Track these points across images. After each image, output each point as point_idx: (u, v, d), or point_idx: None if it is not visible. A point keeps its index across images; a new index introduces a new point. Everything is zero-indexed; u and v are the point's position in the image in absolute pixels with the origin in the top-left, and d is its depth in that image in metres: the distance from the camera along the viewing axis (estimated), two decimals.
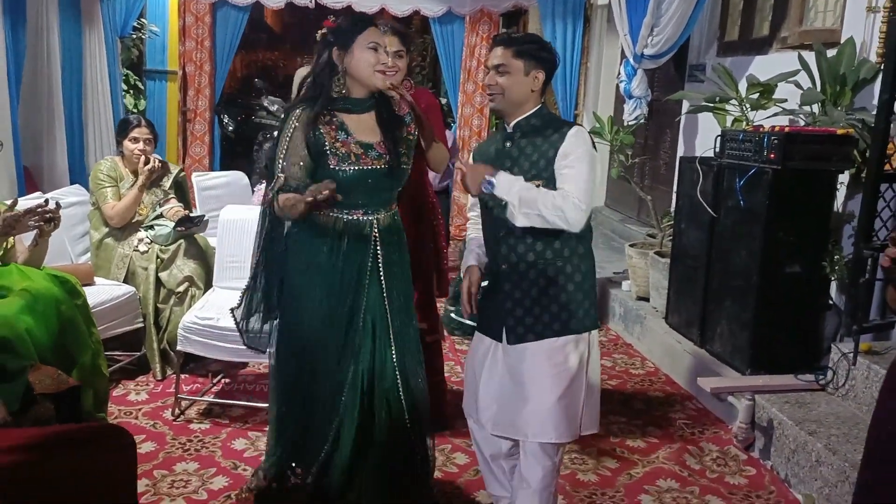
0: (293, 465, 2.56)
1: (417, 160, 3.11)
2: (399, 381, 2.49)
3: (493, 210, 2.39)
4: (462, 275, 2.57)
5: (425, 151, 2.97)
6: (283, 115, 2.38)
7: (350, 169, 2.34)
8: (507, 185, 2.24)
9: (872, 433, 2.02)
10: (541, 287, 2.37)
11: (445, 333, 3.61)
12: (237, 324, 2.55)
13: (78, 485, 1.45)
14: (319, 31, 2.40)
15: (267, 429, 2.76)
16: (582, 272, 2.40)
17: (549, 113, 2.45)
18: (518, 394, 2.41)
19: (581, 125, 2.40)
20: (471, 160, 2.55)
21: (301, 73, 8.94)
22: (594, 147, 2.38)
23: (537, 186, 2.28)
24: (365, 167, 2.36)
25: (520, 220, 2.25)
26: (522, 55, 2.33)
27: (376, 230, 2.43)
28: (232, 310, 2.56)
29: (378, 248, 2.43)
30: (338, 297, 2.41)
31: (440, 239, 3.43)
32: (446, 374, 3.79)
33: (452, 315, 4.66)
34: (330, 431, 2.47)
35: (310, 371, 2.47)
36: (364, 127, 2.40)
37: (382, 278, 2.45)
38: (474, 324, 4.69)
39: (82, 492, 1.46)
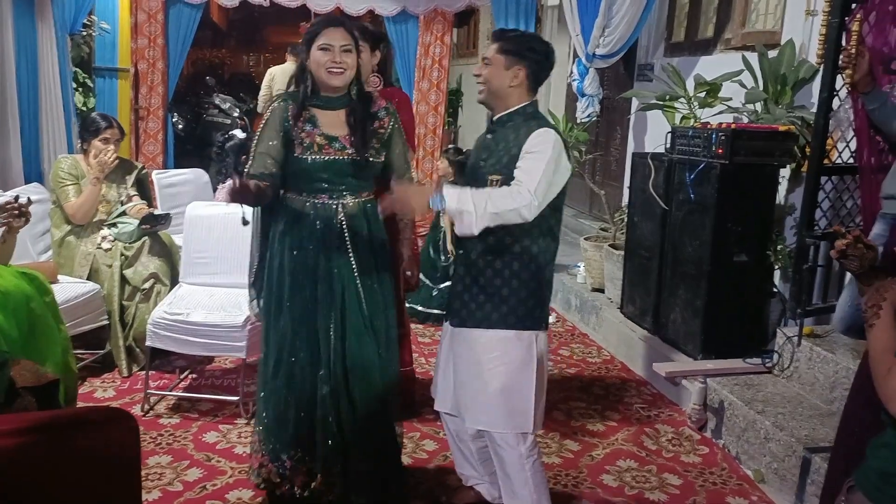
0: (283, 456, 2.63)
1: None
2: (372, 365, 2.59)
3: None
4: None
5: None
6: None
7: (312, 158, 2.50)
8: (457, 195, 2.22)
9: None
10: (487, 277, 2.40)
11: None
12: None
13: (84, 466, 1.49)
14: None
15: (254, 421, 2.84)
16: (530, 270, 2.39)
17: (535, 112, 2.46)
18: (458, 378, 2.49)
19: (554, 128, 2.40)
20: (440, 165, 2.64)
21: (272, 71, 9.05)
22: (565, 153, 2.37)
23: (495, 182, 2.33)
24: (327, 157, 2.51)
25: (479, 225, 2.21)
26: (506, 51, 2.39)
27: (342, 215, 2.55)
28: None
29: (345, 232, 2.55)
30: (310, 280, 2.55)
31: (413, 233, 3.47)
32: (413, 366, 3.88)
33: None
34: (312, 417, 2.58)
35: (290, 354, 2.58)
36: (333, 122, 2.54)
37: (353, 262, 2.56)
38: (425, 310, 4.91)
39: (89, 473, 1.51)
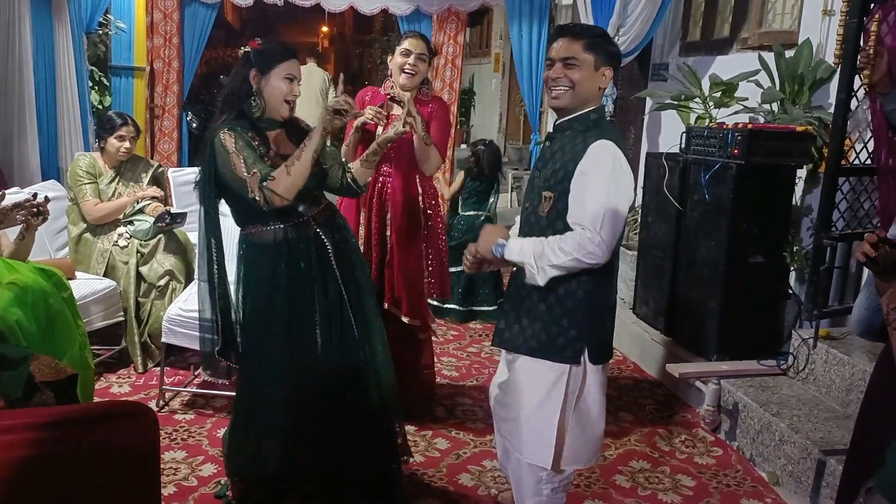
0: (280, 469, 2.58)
1: (407, 166, 3.24)
2: (366, 367, 2.57)
3: (529, 217, 2.30)
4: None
5: (417, 156, 3.17)
6: (210, 139, 2.39)
7: None
8: (518, 248, 2.15)
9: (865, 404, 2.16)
10: (533, 300, 2.24)
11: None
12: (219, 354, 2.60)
13: (105, 460, 1.51)
14: (242, 49, 2.46)
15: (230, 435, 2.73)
16: (576, 299, 2.20)
17: (599, 119, 2.22)
18: (504, 397, 2.43)
19: (610, 140, 2.15)
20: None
21: None
22: (628, 170, 2.15)
23: (548, 199, 2.18)
24: None
25: (541, 279, 2.11)
26: (594, 49, 2.15)
27: (315, 226, 2.49)
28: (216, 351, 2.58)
29: (323, 238, 2.50)
30: (297, 301, 2.47)
31: (440, 241, 3.47)
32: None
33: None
34: (310, 432, 2.54)
35: (286, 375, 2.51)
36: (280, 141, 2.50)
37: (336, 272, 2.51)
38: (450, 306, 5.01)
39: (109, 467, 1.52)
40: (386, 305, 3.27)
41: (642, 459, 3.27)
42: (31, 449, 1.50)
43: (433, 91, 3.38)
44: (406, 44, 3.20)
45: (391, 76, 3.27)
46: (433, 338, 3.68)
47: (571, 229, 2.12)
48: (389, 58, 3.29)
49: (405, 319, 3.31)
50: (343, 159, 2.69)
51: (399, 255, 3.29)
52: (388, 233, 3.29)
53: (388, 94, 3.25)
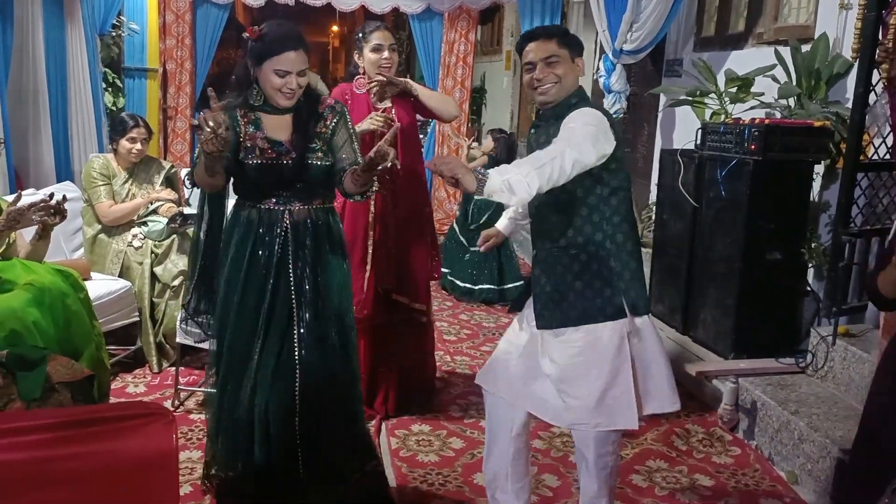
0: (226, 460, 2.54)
1: (409, 152, 3.23)
2: (298, 375, 2.46)
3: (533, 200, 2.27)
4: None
5: (429, 110, 3.24)
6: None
7: (253, 161, 2.37)
8: (496, 169, 2.06)
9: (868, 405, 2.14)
10: (558, 274, 2.31)
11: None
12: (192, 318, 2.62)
13: (123, 462, 1.51)
14: (245, 34, 2.40)
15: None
16: (621, 260, 2.30)
17: (579, 100, 2.34)
18: (553, 380, 2.37)
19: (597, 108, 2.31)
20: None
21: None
22: (610, 127, 2.23)
23: None
24: (268, 161, 2.38)
25: (531, 184, 2.01)
26: (566, 44, 2.31)
27: (287, 222, 2.43)
28: (184, 305, 2.59)
29: (288, 239, 2.44)
30: (250, 287, 2.44)
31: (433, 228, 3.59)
32: (438, 364, 3.89)
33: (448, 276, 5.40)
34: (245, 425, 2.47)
35: (229, 362, 2.49)
36: (279, 126, 2.43)
37: (290, 270, 2.45)
38: (461, 283, 5.27)
39: (127, 469, 1.52)
40: (394, 296, 3.36)
41: (659, 459, 3.24)
42: (50, 450, 1.50)
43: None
44: (376, 38, 3.15)
45: (363, 73, 3.20)
46: (445, 337, 3.68)
47: (572, 212, 2.28)
48: (357, 56, 3.22)
49: (416, 305, 3.40)
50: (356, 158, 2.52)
51: (404, 245, 3.35)
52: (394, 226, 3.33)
53: (370, 90, 3.20)
